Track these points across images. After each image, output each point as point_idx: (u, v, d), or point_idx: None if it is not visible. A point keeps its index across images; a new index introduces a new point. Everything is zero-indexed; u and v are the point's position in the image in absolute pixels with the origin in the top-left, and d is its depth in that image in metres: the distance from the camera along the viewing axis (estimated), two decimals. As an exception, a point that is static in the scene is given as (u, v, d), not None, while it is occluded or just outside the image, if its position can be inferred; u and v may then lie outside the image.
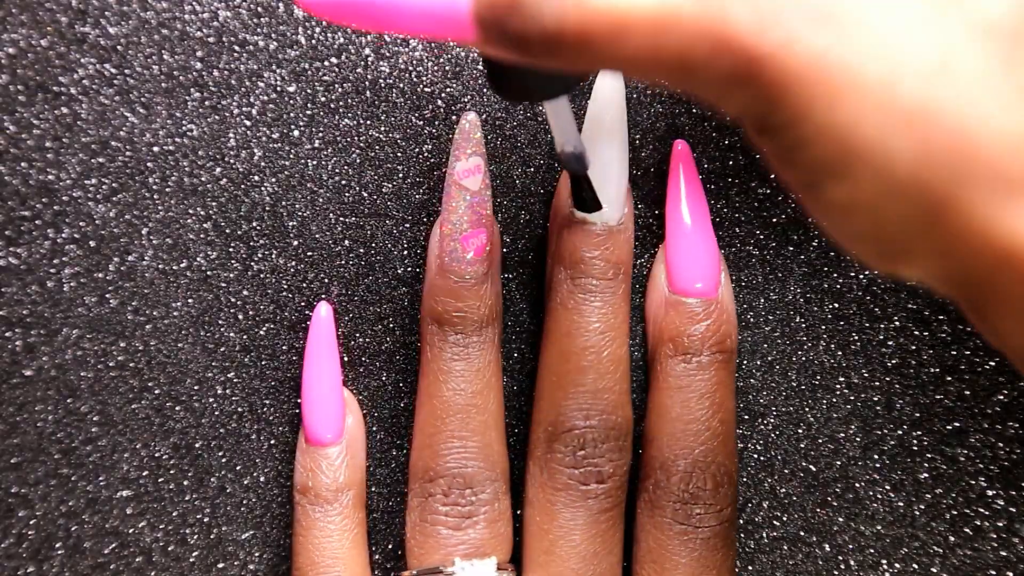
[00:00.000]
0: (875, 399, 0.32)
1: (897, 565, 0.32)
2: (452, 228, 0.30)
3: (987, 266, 0.17)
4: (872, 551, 0.32)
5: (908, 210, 0.17)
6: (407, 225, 0.32)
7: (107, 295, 0.31)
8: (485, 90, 0.31)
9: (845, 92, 0.17)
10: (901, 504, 0.32)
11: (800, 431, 0.32)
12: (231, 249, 0.32)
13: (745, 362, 0.32)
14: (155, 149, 0.31)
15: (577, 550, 0.29)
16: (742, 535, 0.32)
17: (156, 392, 0.32)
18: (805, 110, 0.17)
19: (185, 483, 0.32)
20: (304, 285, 0.32)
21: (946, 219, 0.17)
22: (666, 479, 0.29)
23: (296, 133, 0.31)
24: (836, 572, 0.32)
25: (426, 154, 0.32)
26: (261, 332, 0.32)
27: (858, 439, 0.32)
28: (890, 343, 0.31)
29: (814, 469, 0.32)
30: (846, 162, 0.17)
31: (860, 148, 0.17)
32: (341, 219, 0.32)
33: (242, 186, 0.31)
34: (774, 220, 0.32)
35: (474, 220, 0.30)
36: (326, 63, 0.31)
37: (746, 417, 0.32)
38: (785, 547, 0.32)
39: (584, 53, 0.18)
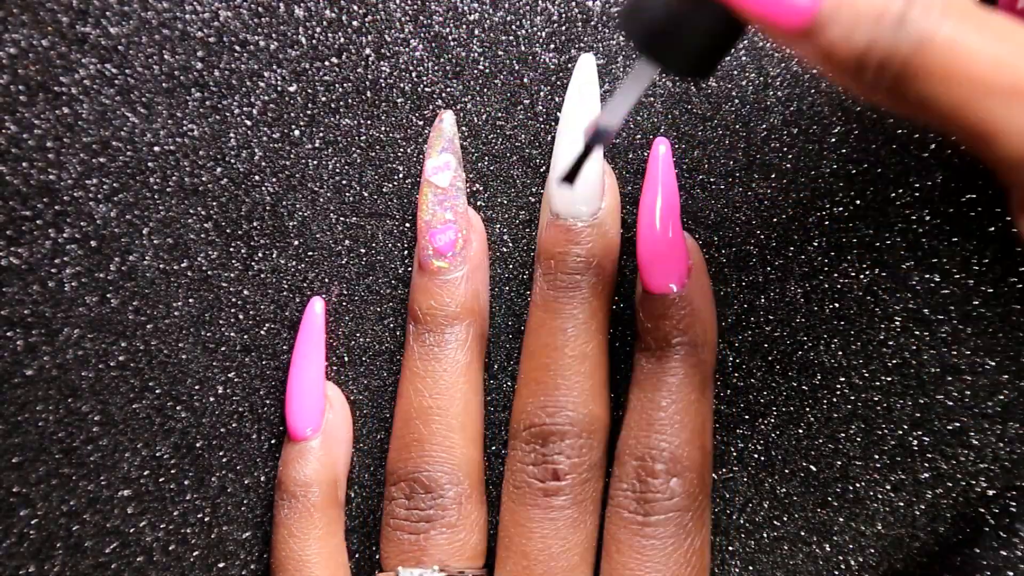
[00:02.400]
0: (875, 399, 0.32)
1: (897, 565, 0.32)
2: (423, 224, 0.30)
3: None
4: (872, 551, 0.32)
5: None
6: (407, 225, 0.32)
7: (108, 295, 0.31)
8: (485, 90, 0.31)
9: None
10: (901, 504, 0.31)
11: (800, 431, 0.32)
12: (232, 249, 0.32)
13: (745, 362, 0.32)
14: (156, 149, 0.31)
15: (532, 546, 0.29)
16: (742, 535, 0.32)
17: (157, 392, 0.32)
18: None
19: (186, 483, 0.32)
20: (304, 285, 0.32)
21: None
22: (619, 468, 0.29)
23: (297, 133, 0.31)
24: (836, 572, 0.32)
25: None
26: (262, 332, 0.32)
27: (858, 439, 0.32)
28: (890, 343, 0.31)
29: (814, 469, 0.32)
30: None
31: None
32: (342, 219, 0.32)
33: (243, 186, 0.32)
34: (774, 220, 0.32)
35: (442, 216, 0.30)
36: (327, 63, 0.31)
37: (746, 417, 0.32)
38: (785, 547, 0.32)
39: (903, 85, 0.20)
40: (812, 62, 0.21)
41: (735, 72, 0.31)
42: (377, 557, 0.32)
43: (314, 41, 0.31)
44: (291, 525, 0.30)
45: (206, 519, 0.32)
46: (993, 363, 0.31)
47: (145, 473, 0.32)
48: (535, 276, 0.30)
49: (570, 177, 0.28)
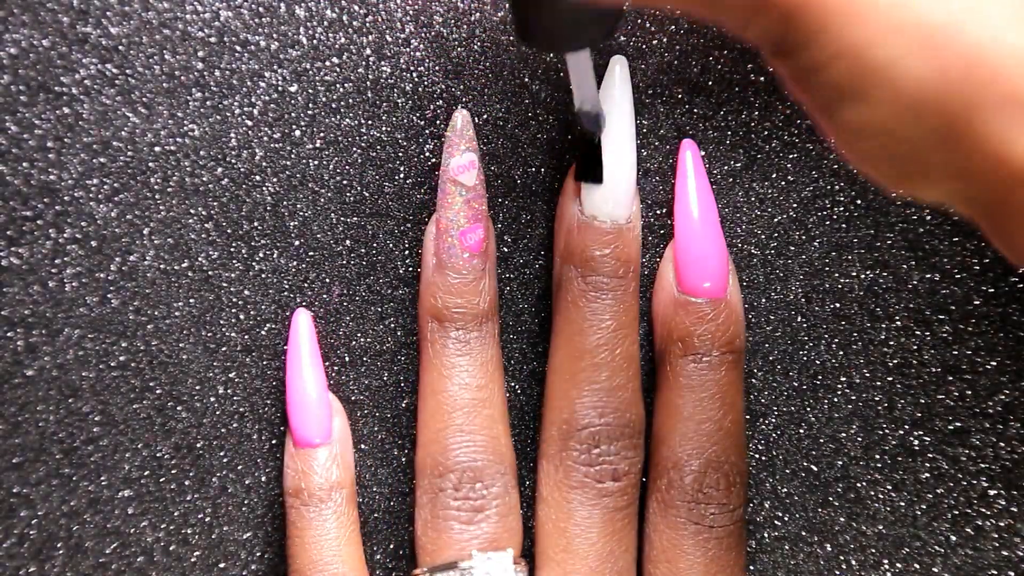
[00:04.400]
0: (876, 399, 0.32)
1: (898, 565, 0.32)
2: (449, 224, 0.30)
3: (1002, 185, 0.17)
4: (873, 551, 0.32)
5: (923, 131, 0.17)
6: (408, 225, 0.32)
7: (109, 295, 0.31)
8: (485, 90, 0.31)
9: (860, 12, 0.17)
10: (902, 504, 0.32)
11: (801, 431, 0.32)
12: (232, 249, 0.32)
13: (746, 362, 0.32)
14: (156, 149, 0.31)
15: (595, 548, 0.29)
16: (743, 535, 0.32)
17: (157, 392, 0.32)
18: (820, 31, 0.17)
19: (186, 483, 0.32)
20: (305, 285, 0.32)
21: (961, 140, 0.17)
22: (679, 479, 0.29)
23: (297, 133, 0.32)
24: (837, 572, 0.32)
25: (427, 154, 0.32)
26: (263, 332, 0.32)
27: (859, 439, 0.32)
28: (891, 343, 0.31)
29: (815, 469, 0.32)
30: (862, 83, 0.17)
31: (875, 69, 0.17)
32: (342, 219, 0.32)
33: (243, 186, 0.32)
34: (775, 220, 0.32)
35: (471, 216, 0.30)
36: (327, 63, 0.31)
37: (747, 417, 0.32)
38: (786, 547, 0.32)
39: None
40: None
41: (735, 72, 0.31)
42: (377, 557, 0.32)
43: (315, 41, 0.31)
44: (317, 528, 0.30)
45: (207, 519, 0.32)
46: (993, 363, 0.31)
47: (146, 473, 0.32)
48: (567, 276, 0.30)
49: (597, 176, 0.29)
